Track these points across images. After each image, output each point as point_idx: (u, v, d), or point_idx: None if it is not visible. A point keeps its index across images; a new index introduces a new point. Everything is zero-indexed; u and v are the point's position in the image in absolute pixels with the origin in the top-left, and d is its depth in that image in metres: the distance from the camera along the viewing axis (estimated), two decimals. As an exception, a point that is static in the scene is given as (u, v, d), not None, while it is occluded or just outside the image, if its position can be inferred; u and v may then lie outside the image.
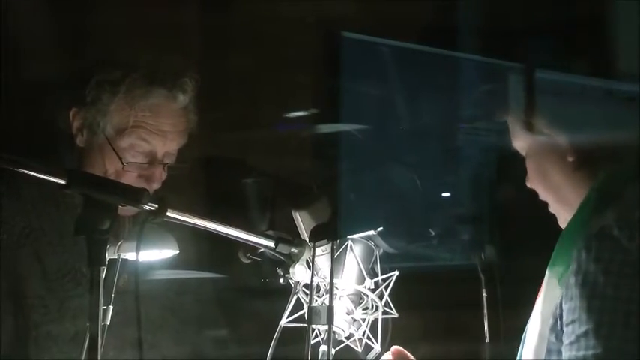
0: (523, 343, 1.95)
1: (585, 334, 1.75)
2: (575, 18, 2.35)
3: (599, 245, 1.79)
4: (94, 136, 2.38)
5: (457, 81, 2.76)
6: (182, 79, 2.41)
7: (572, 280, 1.80)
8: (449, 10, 2.86)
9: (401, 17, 2.89)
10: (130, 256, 1.99)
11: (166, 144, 2.40)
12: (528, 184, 2.05)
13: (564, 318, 1.81)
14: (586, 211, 1.89)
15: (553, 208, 2.03)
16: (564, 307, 1.82)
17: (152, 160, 2.39)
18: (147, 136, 2.37)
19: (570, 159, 1.94)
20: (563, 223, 2.00)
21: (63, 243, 2.35)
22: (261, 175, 2.35)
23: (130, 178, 2.36)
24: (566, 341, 1.79)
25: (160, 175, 2.40)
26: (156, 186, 2.40)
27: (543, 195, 2.02)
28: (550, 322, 1.88)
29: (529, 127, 1.98)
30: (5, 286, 2.31)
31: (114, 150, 2.35)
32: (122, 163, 2.35)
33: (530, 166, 2.02)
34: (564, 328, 1.80)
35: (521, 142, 2.03)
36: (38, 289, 2.33)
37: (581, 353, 1.75)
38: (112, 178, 2.34)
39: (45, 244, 2.36)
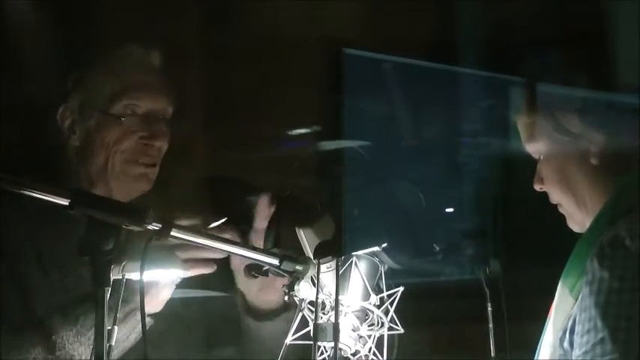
0: (538, 353, 1.95)
1: (602, 340, 1.75)
2: (576, 31, 2.36)
3: (612, 253, 1.79)
4: (86, 124, 2.40)
5: (460, 96, 2.77)
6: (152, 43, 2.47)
7: (586, 290, 1.80)
8: (451, 26, 2.86)
9: (403, 34, 2.90)
10: (134, 276, 1.99)
11: (155, 99, 2.43)
12: (538, 187, 2.06)
13: (578, 328, 1.80)
14: (601, 223, 1.90)
15: (567, 210, 2.03)
16: (579, 318, 1.81)
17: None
18: (135, 93, 2.41)
19: (594, 161, 1.95)
20: (573, 225, 2.02)
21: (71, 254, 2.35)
22: (265, 192, 2.35)
23: (134, 148, 2.38)
24: (579, 351, 1.78)
25: (162, 131, 2.43)
26: (159, 143, 2.42)
27: (559, 197, 2.03)
28: (559, 334, 1.88)
29: (555, 127, 1.99)
30: (16, 297, 2.31)
31: (110, 115, 2.37)
32: (120, 119, 2.37)
33: (548, 168, 2.03)
34: (579, 339, 1.80)
35: (537, 145, 2.04)
36: (48, 298, 2.33)
37: None
38: (117, 160, 2.37)
39: (54, 253, 2.36)
